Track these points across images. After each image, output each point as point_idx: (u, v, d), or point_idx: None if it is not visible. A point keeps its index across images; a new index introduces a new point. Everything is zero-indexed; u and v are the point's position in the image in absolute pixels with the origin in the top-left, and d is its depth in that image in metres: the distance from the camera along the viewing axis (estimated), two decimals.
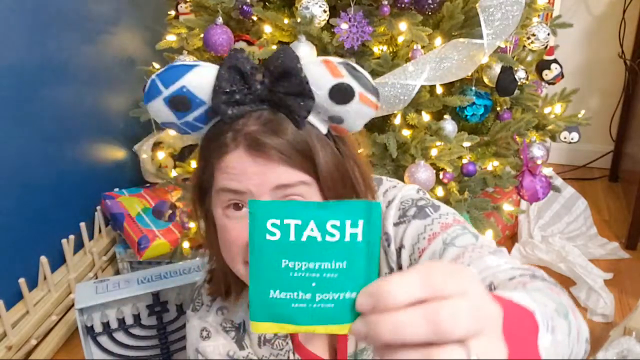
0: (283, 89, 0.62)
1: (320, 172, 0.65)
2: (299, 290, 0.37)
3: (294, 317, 0.38)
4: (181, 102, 0.63)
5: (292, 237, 0.37)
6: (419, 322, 0.33)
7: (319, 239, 0.37)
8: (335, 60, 0.61)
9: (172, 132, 1.71)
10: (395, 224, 0.73)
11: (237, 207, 0.65)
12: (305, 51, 1.19)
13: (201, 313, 0.83)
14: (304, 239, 0.37)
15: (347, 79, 0.62)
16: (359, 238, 0.37)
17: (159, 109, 0.64)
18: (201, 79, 0.62)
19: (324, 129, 0.66)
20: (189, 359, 0.83)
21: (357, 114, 0.64)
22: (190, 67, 0.62)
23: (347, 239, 0.37)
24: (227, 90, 0.61)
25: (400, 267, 0.75)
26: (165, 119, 0.66)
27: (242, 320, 0.82)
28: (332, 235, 0.37)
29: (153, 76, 0.62)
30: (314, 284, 0.37)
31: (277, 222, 0.37)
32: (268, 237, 0.37)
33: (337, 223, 0.37)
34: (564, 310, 0.52)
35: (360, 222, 0.37)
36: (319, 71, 0.61)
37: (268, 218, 0.37)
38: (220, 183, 0.65)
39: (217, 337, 0.81)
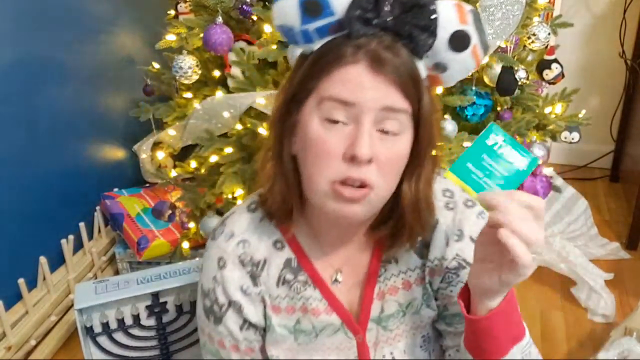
0: (412, 20, 0.63)
1: (422, 108, 0.67)
2: (480, 170, 0.64)
3: (468, 181, 0.64)
4: (314, 8, 0.64)
5: (491, 144, 0.65)
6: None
7: (509, 159, 0.65)
8: (466, 6, 0.63)
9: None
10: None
11: (333, 121, 0.66)
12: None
13: (219, 242, 0.80)
14: (496, 148, 0.65)
15: (470, 28, 0.64)
16: (524, 168, 0.65)
17: (287, 9, 0.65)
18: None
19: (424, 74, 0.68)
20: (204, 290, 0.81)
21: (462, 66, 0.67)
22: None
23: (521, 167, 0.65)
24: (364, 7, 0.63)
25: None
26: (285, 22, 0.66)
27: (263, 258, 0.79)
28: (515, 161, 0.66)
29: None
30: (487, 172, 0.64)
31: (498, 138, 0.65)
32: (487, 141, 0.65)
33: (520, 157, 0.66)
34: None
35: (527, 162, 0.65)
36: (449, 12, 0.64)
37: (496, 134, 0.65)
38: (329, 91, 0.65)
39: (233, 268, 0.79)
